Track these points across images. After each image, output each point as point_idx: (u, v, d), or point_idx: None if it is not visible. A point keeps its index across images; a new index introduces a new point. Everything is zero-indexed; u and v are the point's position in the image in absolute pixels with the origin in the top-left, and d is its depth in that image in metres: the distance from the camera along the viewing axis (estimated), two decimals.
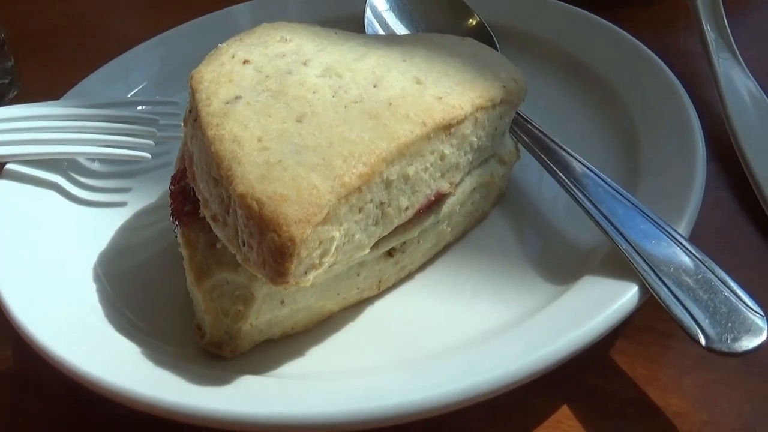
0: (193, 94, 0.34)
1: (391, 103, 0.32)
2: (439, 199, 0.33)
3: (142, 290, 0.36)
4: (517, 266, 0.35)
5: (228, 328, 0.31)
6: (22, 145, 0.40)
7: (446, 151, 0.32)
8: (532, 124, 0.39)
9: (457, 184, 0.34)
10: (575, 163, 0.36)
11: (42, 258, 0.36)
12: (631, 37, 0.44)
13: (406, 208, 0.32)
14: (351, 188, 0.29)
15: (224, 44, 0.38)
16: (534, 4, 0.48)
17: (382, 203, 0.31)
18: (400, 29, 0.47)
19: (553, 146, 0.37)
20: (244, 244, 0.29)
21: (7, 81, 0.53)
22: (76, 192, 0.42)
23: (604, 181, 0.35)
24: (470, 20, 0.48)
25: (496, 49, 0.46)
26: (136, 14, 0.62)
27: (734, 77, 0.44)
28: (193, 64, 0.47)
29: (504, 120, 0.36)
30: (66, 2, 0.64)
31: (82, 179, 0.42)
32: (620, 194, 0.34)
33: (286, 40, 0.36)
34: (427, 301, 0.34)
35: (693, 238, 0.35)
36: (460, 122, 0.32)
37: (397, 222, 0.32)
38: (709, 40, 0.45)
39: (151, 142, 0.42)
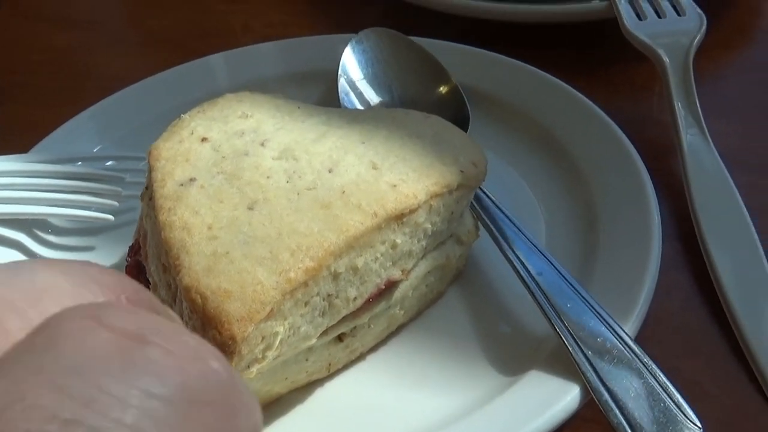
0: (150, 171, 0.34)
1: (344, 191, 0.32)
2: (390, 286, 0.33)
3: None
4: (469, 351, 0.35)
5: None
6: None
7: (398, 240, 0.32)
8: (491, 200, 0.39)
9: (410, 270, 0.34)
10: (531, 250, 0.36)
11: None
12: (599, 110, 0.45)
13: (355, 298, 0.32)
14: (297, 284, 0.29)
15: (186, 115, 0.38)
16: (507, 68, 0.48)
17: (329, 295, 0.31)
18: (373, 97, 0.47)
19: (510, 230, 0.37)
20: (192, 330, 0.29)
21: None
22: (39, 250, 0.42)
23: (558, 271, 0.35)
24: (446, 85, 0.48)
25: (467, 113, 0.47)
26: (121, 53, 0.62)
27: (701, 154, 0.44)
28: (167, 115, 0.48)
29: (461, 203, 0.36)
30: (49, 38, 0.64)
31: (46, 236, 0.42)
32: (572, 286, 0.34)
33: (246, 115, 0.37)
34: (377, 385, 0.34)
35: (645, 322, 0.35)
36: (413, 211, 0.32)
37: (345, 312, 0.32)
38: (677, 112, 0.45)
39: (116, 203, 0.42)
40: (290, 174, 0.33)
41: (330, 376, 0.34)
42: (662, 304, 0.38)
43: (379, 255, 0.32)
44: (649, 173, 0.42)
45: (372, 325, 0.34)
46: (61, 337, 0.14)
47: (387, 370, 0.35)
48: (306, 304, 0.30)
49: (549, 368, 0.32)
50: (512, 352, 0.35)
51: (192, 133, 0.36)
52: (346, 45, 0.50)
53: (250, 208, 0.31)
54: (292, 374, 0.32)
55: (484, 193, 0.40)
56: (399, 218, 0.32)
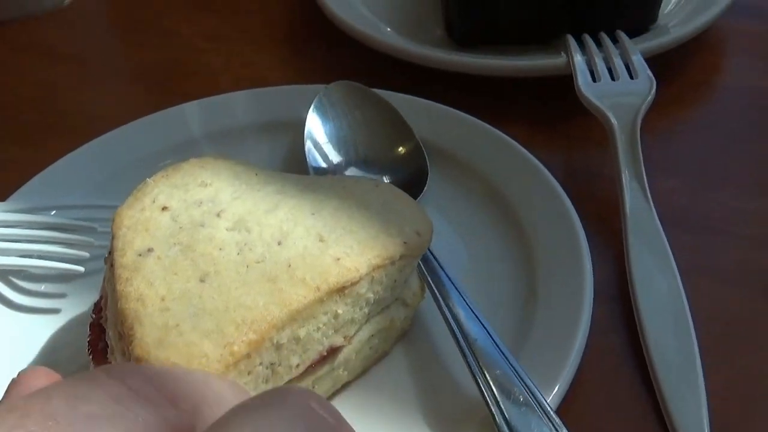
0: (112, 238, 0.37)
1: (290, 265, 0.34)
2: (333, 352, 0.36)
3: None
4: (409, 410, 0.37)
5: None
6: None
7: (340, 311, 0.35)
8: (437, 262, 0.41)
9: (353, 336, 0.37)
10: (470, 316, 0.38)
11: None
12: (546, 171, 0.47)
13: (297, 365, 0.34)
14: (240, 356, 0.31)
15: (151, 180, 0.40)
16: (466, 126, 0.51)
17: (272, 364, 0.33)
18: (334, 156, 0.49)
19: (452, 293, 0.40)
20: None
21: None
22: (12, 296, 0.44)
23: (492, 338, 0.37)
24: (408, 141, 0.50)
25: (426, 170, 0.49)
26: (106, 91, 0.65)
27: (641, 218, 0.46)
28: (143, 162, 0.50)
29: (405, 272, 0.38)
30: (36, 71, 0.66)
31: (20, 282, 0.45)
32: (503, 355, 0.37)
33: (206, 184, 0.39)
34: None
35: (576, 383, 0.37)
36: (354, 284, 0.35)
37: (287, 378, 0.34)
38: (622, 174, 0.47)
39: (86, 254, 0.45)
40: (241, 246, 0.35)
41: None
42: (593, 366, 0.40)
43: (321, 325, 0.34)
44: (594, 233, 0.44)
45: (316, 386, 0.36)
46: None
47: None
48: (249, 373, 0.32)
49: None
50: (449, 412, 0.37)
51: (153, 202, 0.38)
52: (314, 95, 0.52)
53: (202, 281, 0.34)
54: None
55: (432, 254, 0.42)
56: (341, 291, 0.34)
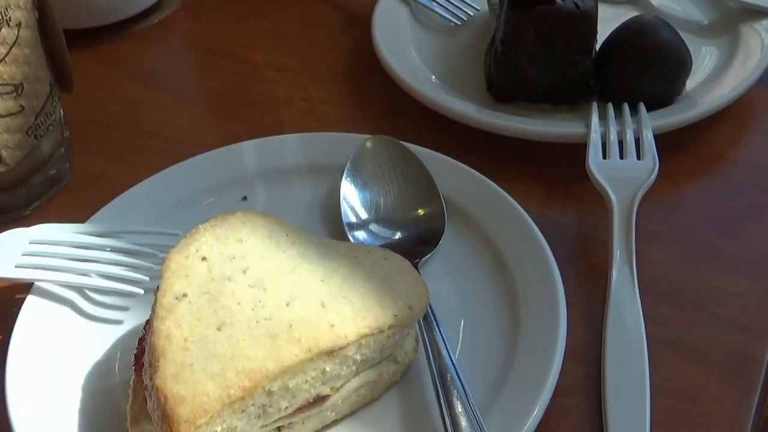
0: (161, 277, 0.46)
1: (291, 326, 0.42)
2: (320, 399, 0.43)
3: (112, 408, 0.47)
4: None
5: None
6: (45, 270, 0.53)
7: (327, 369, 0.43)
8: (436, 322, 0.48)
9: (340, 387, 0.44)
10: (454, 377, 0.45)
11: (44, 368, 0.49)
12: (543, 242, 0.53)
13: (286, 408, 0.42)
14: (234, 398, 0.40)
15: (201, 227, 0.49)
16: (482, 188, 0.57)
17: (263, 405, 0.41)
18: (363, 213, 0.57)
19: (442, 356, 0.46)
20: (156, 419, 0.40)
21: (65, 166, 0.65)
22: (85, 306, 0.54)
23: (469, 401, 0.44)
24: (433, 200, 0.57)
25: (443, 228, 0.56)
26: (181, 113, 0.73)
27: (624, 291, 0.51)
28: (203, 194, 0.59)
29: (394, 338, 0.45)
30: (125, 89, 0.76)
31: (93, 295, 0.54)
32: (476, 416, 0.43)
33: (242, 240, 0.47)
34: None
35: None
36: (342, 348, 0.42)
37: (276, 416, 0.42)
38: (613, 249, 0.53)
39: (147, 278, 0.54)
40: (256, 303, 0.43)
41: None
42: (555, 424, 0.47)
43: (309, 378, 0.42)
44: (585, 295, 0.51)
45: (305, 422, 0.44)
46: None
47: None
48: (243, 411, 0.41)
49: None
50: None
51: (197, 251, 0.46)
52: (358, 143, 0.59)
53: (219, 329, 0.42)
54: None
55: (432, 312, 0.49)
56: (330, 353, 0.42)
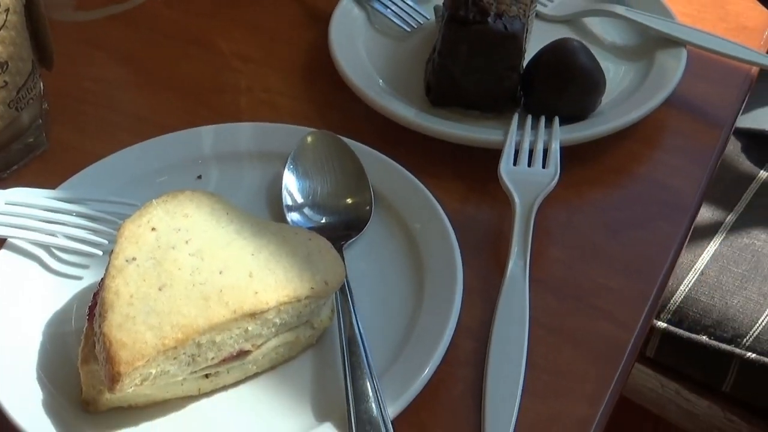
0: (116, 241, 0.54)
1: (221, 290, 0.50)
2: (242, 353, 0.52)
3: (66, 351, 0.56)
4: (291, 399, 0.53)
5: (92, 397, 0.51)
6: (17, 228, 0.61)
7: (250, 328, 0.51)
8: (350, 294, 0.57)
9: (260, 345, 0.53)
10: (358, 342, 0.54)
11: (9, 313, 0.56)
12: (450, 229, 0.61)
13: (213, 358, 0.50)
14: (168, 347, 0.48)
15: (154, 201, 0.56)
16: (403, 181, 0.65)
17: (193, 354, 0.49)
18: (299, 197, 0.65)
19: (353, 324, 0.54)
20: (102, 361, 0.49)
21: (41, 136, 0.73)
22: (50, 262, 0.61)
23: (368, 362, 0.52)
24: (363, 189, 0.65)
25: (369, 215, 0.64)
26: (151, 93, 0.81)
27: (516, 284, 0.60)
28: (164, 170, 0.67)
29: (310, 307, 0.53)
30: (102, 68, 0.83)
31: (59, 253, 0.62)
32: (372, 377, 0.52)
33: (187, 216, 0.55)
34: (229, 407, 0.53)
35: (421, 401, 0.53)
36: (263, 312, 0.51)
37: (204, 365, 0.50)
38: (512, 246, 0.61)
39: (105, 242, 0.62)
40: (194, 269, 0.51)
41: (200, 395, 0.53)
42: (442, 390, 0.55)
43: (234, 335, 0.50)
44: (484, 281, 0.60)
45: (229, 372, 0.53)
46: None
47: (238, 398, 0.53)
48: (175, 358, 0.49)
49: (333, 427, 0.51)
50: (321, 405, 0.53)
51: (148, 222, 0.54)
52: (303, 136, 0.67)
53: (160, 289, 0.50)
54: (170, 390, 0.52)
55: (348, 286, 0.57)
56: (252, 315, 0.50)
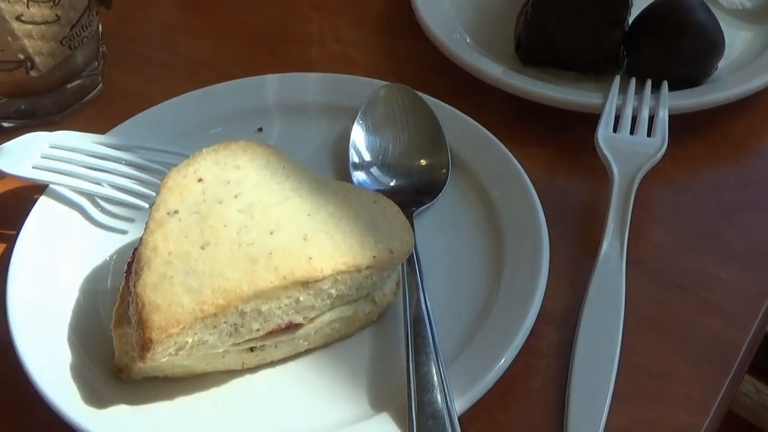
0: (158, 191, 0.48)
1: (271, 253, 0.44)
2: (292, 327, 0.45)
3: (100, 310, 0.50)
4: (345, 382, 0.46)
5: (125, 363, 0.45)
6: (60, 174, 0.55)
7: (301, 298, 0.44)
8: (419, 269, 0.50)
9: (313, 318, 0.46)
10: (424, 323, 0.47)
11: (45, 266, 0.51)
12: (537, 202, 0.53)
13: (258, 330, 0.44)
14: (207, 314, 0.42)
15: (204, 150, 0.50)
16: (486, 144, 0.58)
17: (235, 324, 0.43)
18: (368, 156, 0.58)
19: (420, 303, 0.47)
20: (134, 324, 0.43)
21: (97, 79, 0.68)
22: (94, 213, 0.56)
23: (435, 347, 0.45)
24: (440, 150, 0.58)
25: (446, 178, 0.57)
26: (217, 42, 0.75)
27: (610, 267, 0.51)
28: (221, 120, 0.61)
29: (371, 279, 0.46)
30: (166, 13, 0.78)
31: (103, 204, 0.57)
32: (438, 364, 0.45)
33: (238, 167, 0.49)
34: (276, 385, 0.47)
35: (494, 394, 0.45)
36: (317, 281, 0.44)
37: (247, 337, 0.44)
38: (607, 223, 0.53)
39: (154, 193, 0.56)
40: (241, 227, 0.45)
41: (244, 370, 0.47)
42: (526, 383, 0.48)
43: (282, 305, 0.44)
44: (572, 263, 0.52)
45: (276, 347, 0.46)
46: None
47: (286, 377, 0.47)
48: (214, 327, 0.43)
49: (391, 418, 0.44)
50: (378, 391, 0.46)
51: (195, 172, 0.48)
52: (376, 89, 0.60)
53: (202, 248, 0.44)
54: (211, 362, 0.46)
55: (417, 259, 0.50)
56: (304, 284, 0.44)
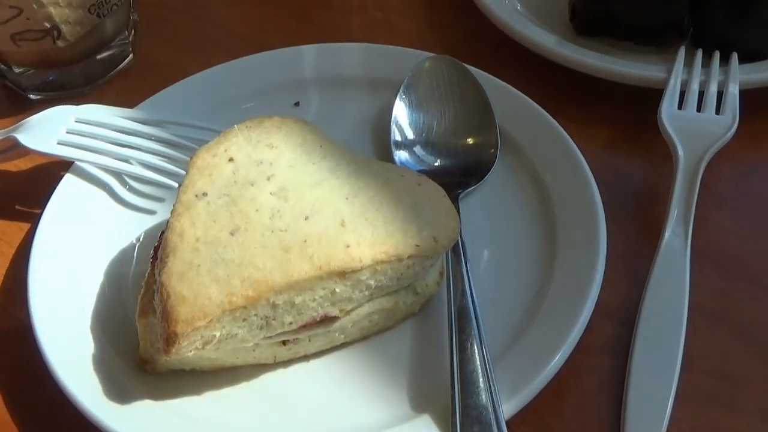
0: (186, 173, 0.44)
1: (305, 241, 0.40)
2: (327, 319, 0.42)
3: (123, 296, 0.47)
4: (383, 379, 0.43)
5: (150, 355, 0.43)
6: (85, 150, 0.53)
7: (337, 290, 0.41)
8: (465, 258, 0.46)
9: (350, 310, 0.43)
10: (470, 317, 0.43)
11: (68, 246, 0.49)
12: (593, 185, 0.49)
13: (290, 323, 0.41)
14: (236, 306, 0.39)
15: (236, 127, 0.47)
16: (541, 121, 0.53)
17: (266, 317, 0.40)
18: (411, 134, 0.54)
19: (466, 295, 0.44)
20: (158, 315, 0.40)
21: (128, 49, 0.65)
22: (121, 192, 0.53)
23: (481, 343, 0.42)
24: (488, 126, 0.54)
25: (495, 157, 0.53)
26: (252, 10, 0.71)
27: (673, 255, 0.47)
28: (255, 93, 0.57)
29: (413, 269, 0.43)
30: None
31: (131, 182, 0.54)
32: (485, 362, 0.41)
33: (272, 146, 0.45)
34: (311, 384, 0.44)
35: (549, 395, 0.42)
36: (355, 271, 0.40)
37: (280, 330, 0.41)
38: (671, 209, 0.49)
39: (183, 171, 0.53)
40: (274, 212, 0.42)
41: (276, 364, 0.44)
42: (578, 384, 0.44)
43: (317, 297, 0.41)
44: (630, 252, 0.48)
45: (311, 340, 0.43)
46: None
47: (320, 372, 0.44)
48: (244, 320, 0.39)
49: (436, 418, 0.40)
50: (418, 390, 0.43)
51: (225, 151, 0.45)
52: (421, 61, 0.56)
53: (232, 234, 0.41)
54: (241, 356, 0.43)
55: (462, 248, 0.46)
56: (341, 274, 0.40)
